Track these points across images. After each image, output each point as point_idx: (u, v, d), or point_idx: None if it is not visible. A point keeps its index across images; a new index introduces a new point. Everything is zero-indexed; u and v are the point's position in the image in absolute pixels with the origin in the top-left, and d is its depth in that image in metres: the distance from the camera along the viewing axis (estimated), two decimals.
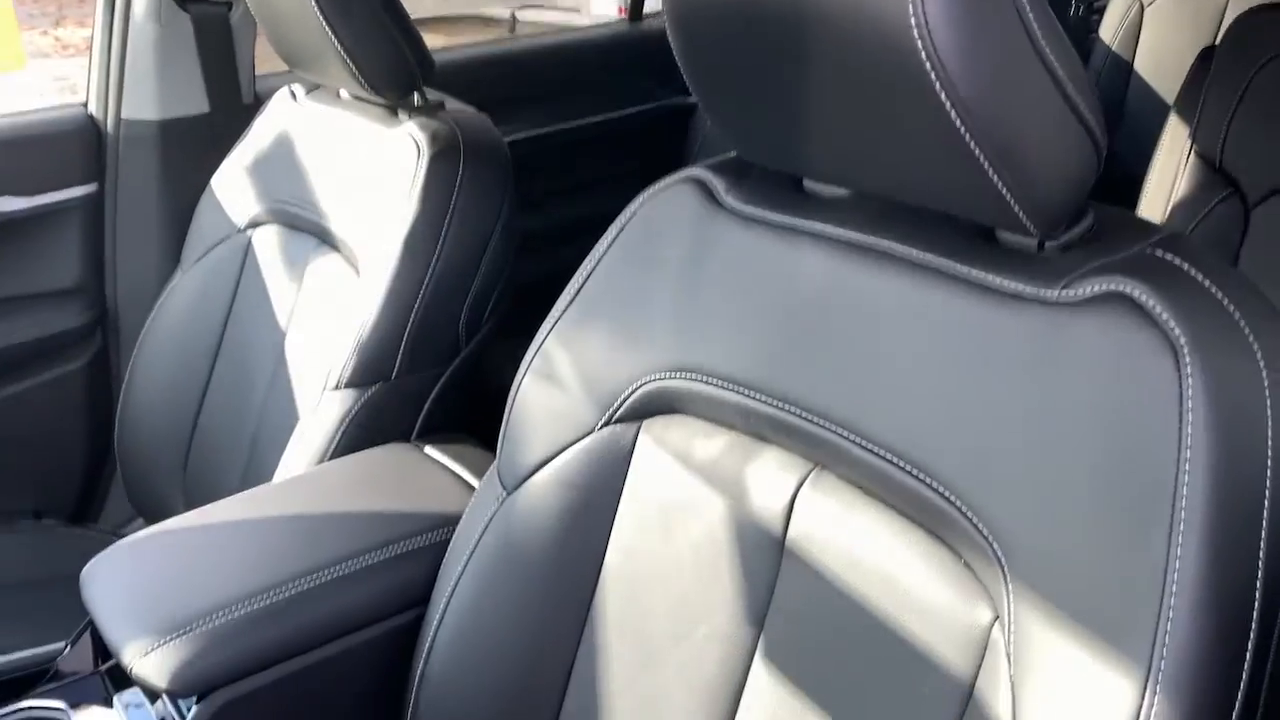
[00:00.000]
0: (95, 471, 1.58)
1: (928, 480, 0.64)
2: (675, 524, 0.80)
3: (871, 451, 0.67)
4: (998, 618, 0.60)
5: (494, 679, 0.86)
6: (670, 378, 0.80)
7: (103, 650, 1.02)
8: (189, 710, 0.87)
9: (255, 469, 1.24)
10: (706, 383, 0.78)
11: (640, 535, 0.82)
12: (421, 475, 1.09)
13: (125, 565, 0.96)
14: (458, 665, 0.88)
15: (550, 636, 0.84)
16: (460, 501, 1.00)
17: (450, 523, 0.96)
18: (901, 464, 0.65)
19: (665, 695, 0.78)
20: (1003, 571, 0.59)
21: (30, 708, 0.98)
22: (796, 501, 0.73)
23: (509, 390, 0.92)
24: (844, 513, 0.70)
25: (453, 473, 1.09)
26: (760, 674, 0.72)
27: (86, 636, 1.02)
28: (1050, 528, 0.58)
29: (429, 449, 1.14)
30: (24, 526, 1.48)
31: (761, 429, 0.76)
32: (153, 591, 0.92)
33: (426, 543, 0.97)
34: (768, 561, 0.73)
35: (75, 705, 0.99)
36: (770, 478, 0.74)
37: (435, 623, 0.89)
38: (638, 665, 0.80)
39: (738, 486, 0.76)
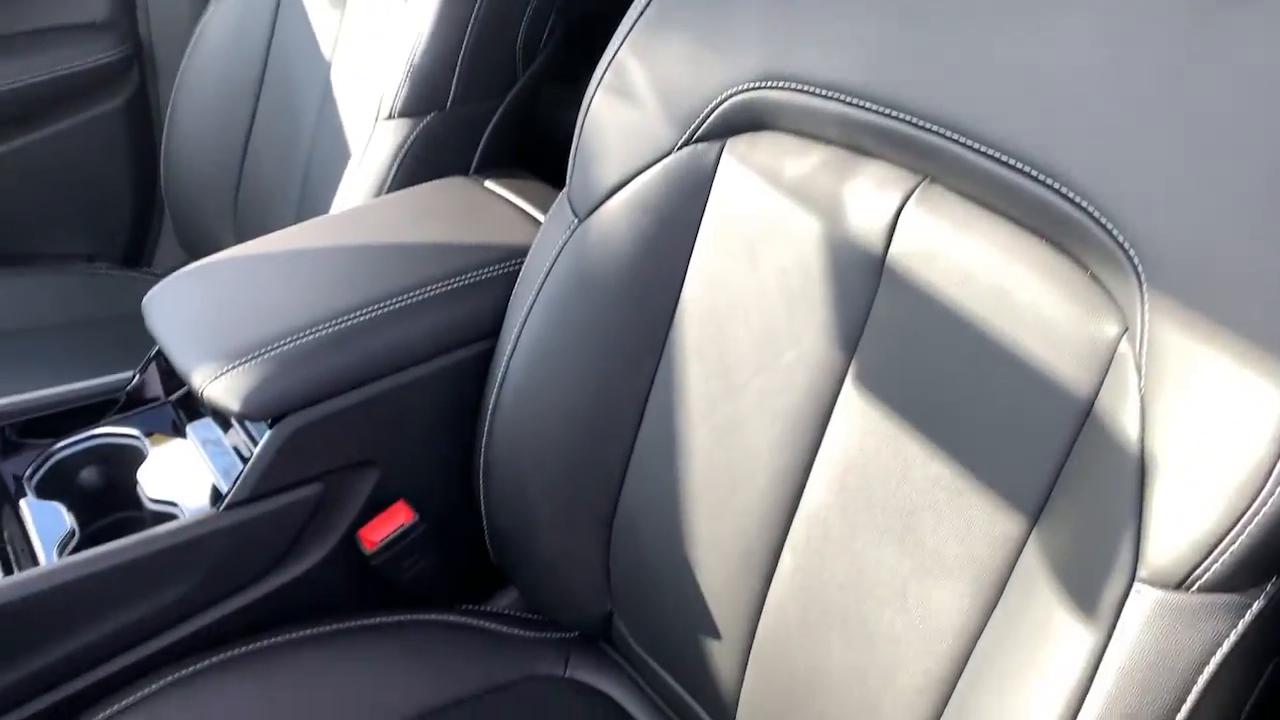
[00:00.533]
0: (144, 215, 1.55)
1: (1056, 185, 0.58)
2: (761, 249, 0.75)
3: (990, 157, 0.61)
4: (1126, 330, 0.56)
5: (568, 407, 0.84)
6: (759, 88, 0.73)
7: (170, 381, 1.02)
8: (261, 436, 0.87)
9: (309, 205, 1.21)
10: (801, 91, 0.71)
11: (723, 261, 0.77)
12: (484, 208, 1.04)
13: (188, 292, 0.94)
14: (531, 393, 0.86)
15: (625, 366, 0.82)
16: (526, 234, 0.96)
17: (517, 255, 0.93)
18: (1026, 169, 0.59)
19: (745, 424, 0.76)
20: (1138, 280, 0.55)
21: (104, 434, 0.99)
22: (900, 217, 0.67)
23: (569, 128, 0.86)
24: (953, 227, 0.65)
25: (516, 206, 1.04)
26: (851, 399, 0.70)
27: (154, 367, 1.02)
28: (1199, 233, 0.53)
29: (489, 183, 1.09)
30: (77, 270, 1.47)
31: (862, 141, 0.69)
32: (218, 318, 0.90)
33: (494, 274, 0.94)
34: (865, 283, 0.69)
35: (148, 434, 1.00)
36: (871, 194, 0.69)
37: (508, 352, 0.87)
38: (717, 394, 0.77)
39: (833, 205, 0.71)
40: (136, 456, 0.97)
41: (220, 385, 0.84)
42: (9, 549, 0.89)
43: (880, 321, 0.68)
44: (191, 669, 0.85)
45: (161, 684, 0.84)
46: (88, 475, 0.98)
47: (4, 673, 0.80)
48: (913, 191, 0.67)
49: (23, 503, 0.93)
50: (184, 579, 0.86)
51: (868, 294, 0.69)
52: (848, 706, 0.70)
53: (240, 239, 1.31)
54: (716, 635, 0.79)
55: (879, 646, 0.67)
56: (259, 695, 0.85)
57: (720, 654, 0.79)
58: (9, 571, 0.88)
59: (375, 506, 0.91)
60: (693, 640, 0.81)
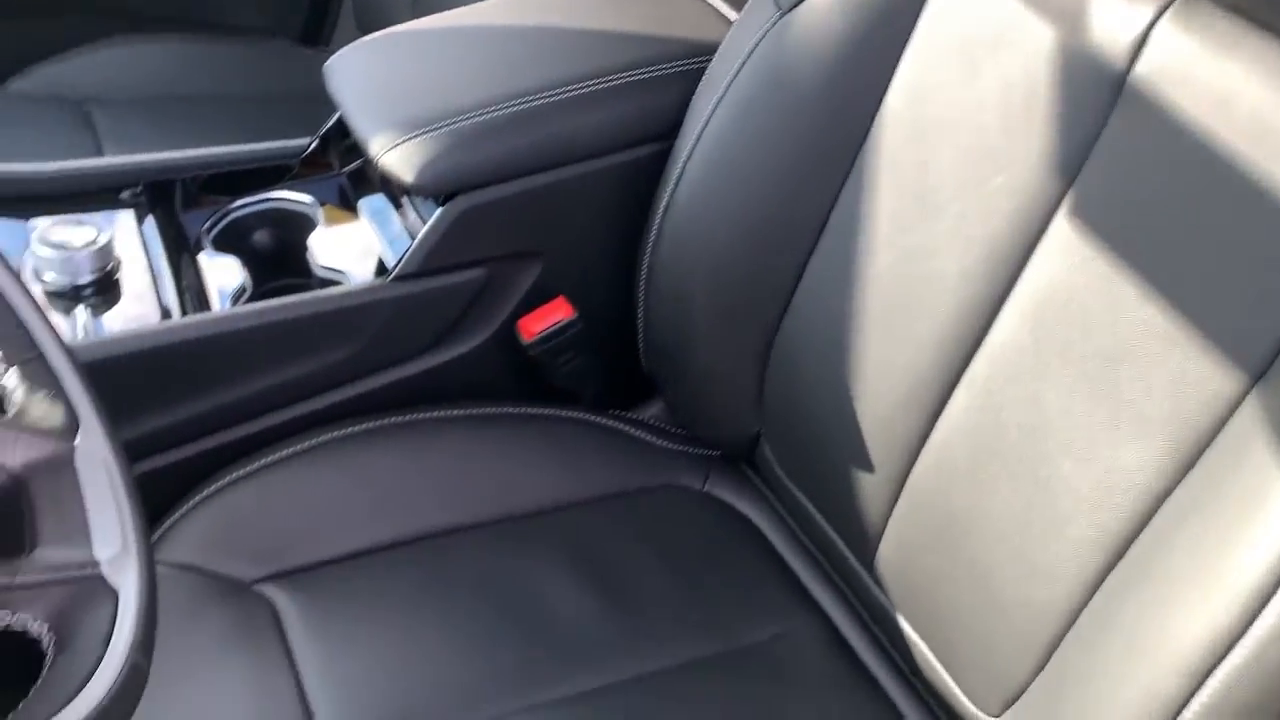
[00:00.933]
0: None
1: None
2: (982, 59, 0.68)
3: None
4: None
5: (743, 214, 0.81)
6: None
7: (344, 153, 1.02)
8: (430, 215, 0.86)
9: None
10: None
11: (935, 72, 0.71)
12: (675, 1, 0.99)
13: (370, 61, 0.92)
14: (706, 198, 0.83)
15: (811, 175, 0.77)
16: (716, 30, 0.90)
17: (704, 51, 0.88)
18: None
19: (936, 249, 0.71)
20: None
21: (279, 198, 1.01)
22: (1152, 31, 0.60)
23: None
24: (1214, 45, 0.57)
25: (708, 2, 0.98)
26: (1062, 230, 0.64)
27: (329, 137, 1.02)
28: None
29: None
30: (258, 43, 1.47)
31: None
32: (399, 88, 0.89)
33: (679, 69, 0.89)
34: (1099, 103, 0.62)
35: (322, 203, 1.00)
36: (1120, 3, 0.61)
37: (686, 153, 0.83)
38: (909, 216, 0.72)
39: (1075, 14, 0.63)
40: (308, 224, 0.98)
41: (396, 154, 0.83)
42: (185, 298, 0.92)
43: (1110, 147, 0.62)
44: (343, 432, 0.88)
45: (313, 442, 0.87)
46: (261, 237, 1.00)
47: (164, 412, 0.84)
48: (1170, 3, 0.60)
49: (201, 255, 0.96)
50: (345, 344, 0.88)
51: (1100, 116, 0.62)
52: (1002, 553, 0.67)
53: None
54: (869, 468, 0.76)
55: (1052, 495, 0.63)
56: (405, 464, 0.87)
57: (870, 486, 0.76)
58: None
59: (536, 298, 0.91)
60: (842, 470, 0.78)
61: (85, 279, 0.87)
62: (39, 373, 0.56)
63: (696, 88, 0.85)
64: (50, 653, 0.44)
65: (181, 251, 0.96)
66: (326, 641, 0.76)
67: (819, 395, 0.80)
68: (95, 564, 0.48)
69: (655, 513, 0.89)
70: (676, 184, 0.83)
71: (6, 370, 0.55)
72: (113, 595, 0.47)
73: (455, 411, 0.90)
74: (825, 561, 0.85)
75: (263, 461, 0.85)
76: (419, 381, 0.91)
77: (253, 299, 0.93)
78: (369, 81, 0.91)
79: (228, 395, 0.85)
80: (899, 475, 0.74)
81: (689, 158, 0.83)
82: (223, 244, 0.97)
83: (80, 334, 0.84)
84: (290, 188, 1.01)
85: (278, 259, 0.98)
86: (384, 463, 0.87)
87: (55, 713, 0.40)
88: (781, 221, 0.79)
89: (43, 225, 0.88)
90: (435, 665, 0.76)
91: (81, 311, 0.86)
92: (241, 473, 0.84)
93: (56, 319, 0.86)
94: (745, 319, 0.84)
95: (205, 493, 0.82)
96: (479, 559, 0.82)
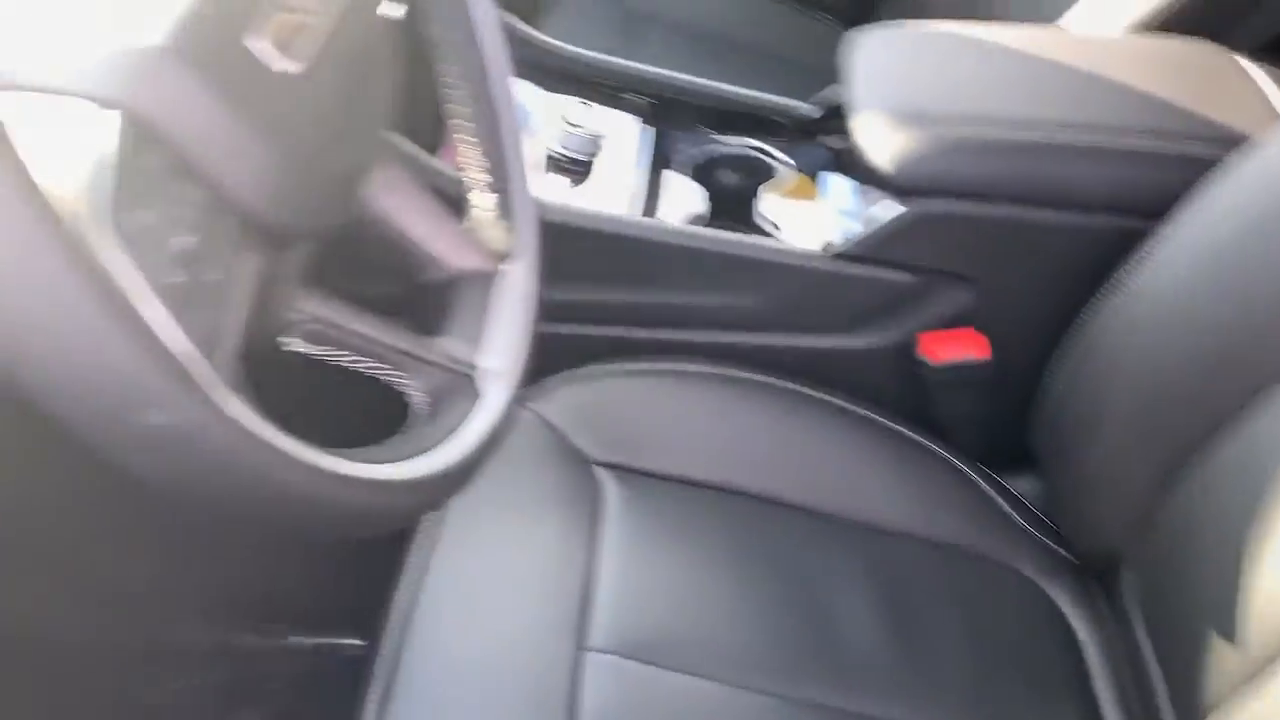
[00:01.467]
0: None
1: None
2: None
3: None
4: None
5: (1208, 330, 0.72)
6: None
7: (833, 124, 1.04)
8: (890, 208, 0.86)
9: None
10: None
11: None
12: (1222, 80, 0.90)
13: (894, 44, 0.94)
14: (1173, 296, 0.75)
15: None
16: (1253, 121, 0.82)
17: (1230, 141, 0.79)
18: None
19: None
20: None
21: (757, 148, 1.06)
22: None
23: None
24: None
25: (1262, 91, 0.89)
26: None
27: (829, 111, 1.05)
28: None
29: (1241, 60, 0.94)
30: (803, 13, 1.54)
31: None
32: (913, 78, 0.90)
33: (1196, 152, 0.82)
34: None
35: (797, 170, 1.04)
36: None
37: (1169, 241, 0.76)
38: None
39: None
40: (771, 181, 1.02)
41: (886, 139, 0.84)
42: (645, 203, 0.99)
43: None
44: (718, 370, 0.91)
45: (690, 368, 0.91)
46: (725, 175, 1.06)
47: (583, 289, 0.91)
48: None
49: (669, 172, 1.03)
50: (758, 296, 0.91)
51: None
52: None
53: None
54: (1239, 644, 0.67)
55: None
56: (760, 423, 0.89)
57: (1230, 663, 0.67)
58: None
59: (949, 321, 0.88)
60: (1204, 634, 0.69)
61: (574, 155, 0.97)
62: (505, 205, 0.65)
63: (1204, 176, 0.77)
64: (421, 416, 0.52)
65: (659, 165, 1.04)
66: (632, 546, 0.80)
67: (1213, 552, 0.70)
68: (474, 368, 0.55)
69: (979, 581, 0.84)
70: (1143, 271, 0.77)
71: (484, 193, 0.64)
72: (476, 397, 0.53)
73: (826, 396, 0.90)
74: (1139, 708, 0.76)
75: (641, 366, 0.91)
76: (805, 356, 0.92)
77: None
78: (885, 64, 0.92)
79: (639, 296, 0.92)
80: (1265, 661, 0.64)
81: (1167, 249, 0.76)
82: (692, 170, 1.04)
83: (551, 196, 0.94)
84: (775, 144, 1.05)
85: (729, 202, 1.03)
86: (743, 413, 0.90)
87: (399, 459, 0.46)
88: (1241, 357, 0.70)
89: (564, 100, 1.00)
90: (715, 618, 0.77)
91: (560, 179, 0.96)
92: (621, 368, 0.90)
93: (538, 175, 0.97)
94: (1162, 438, 0.76)
95: (587, 371, 0.90)
96: (789, 539, 0.83)
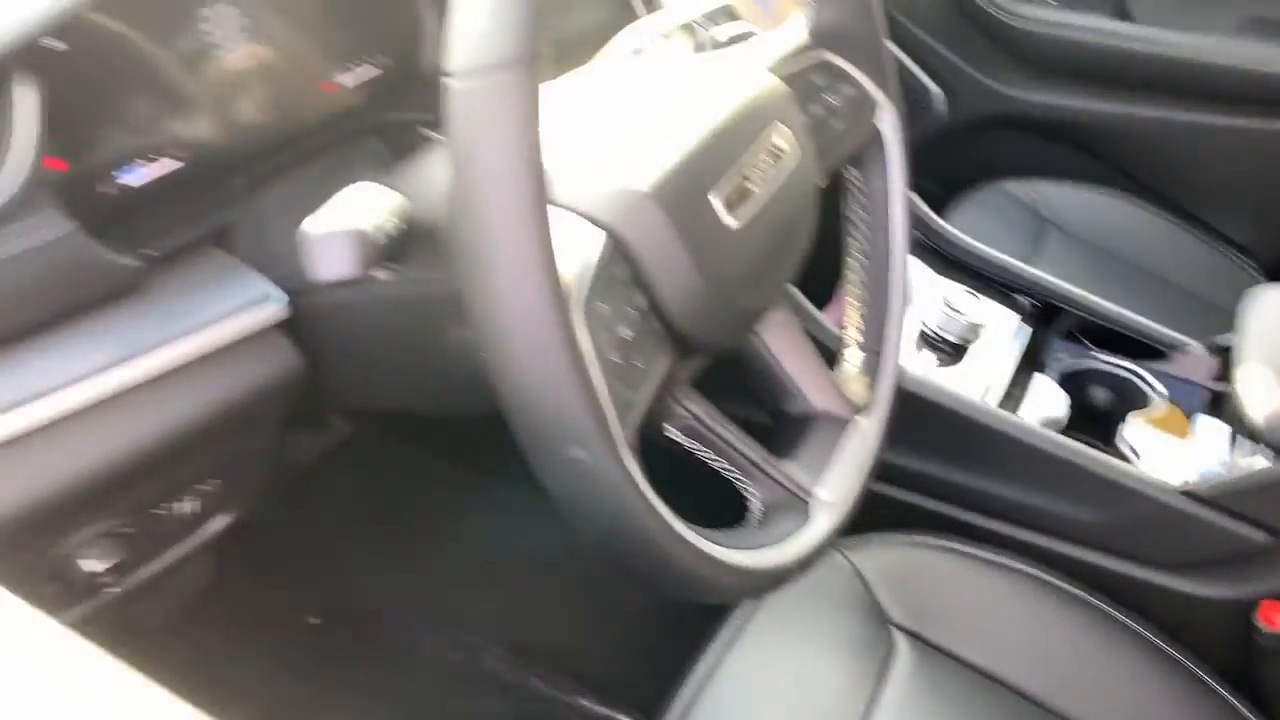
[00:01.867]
0: None
1: None
2: None
3: None
4: None
5: None
6: None
7: (1222, 368, 1.03)
8: (1256, 467, 0.85)
9: None
10: None
11: None
12: None
13: None
14: None
15: None
16: None
17: None
18: None
19: None
20: None
21: (1134, 371, 1.06)
22: None
23: None
24: None
25: None
26: None
27: (1216, 348, 1.04)
28: None
29: None
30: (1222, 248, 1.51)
31: None
32: None
33: None
34: None
35: (1170, 401, 1.04)
36: None
37: None
38: None
39: None
40: (1142, 407, 1.03)
41: (1264, 397, 0.84)
42: (1011, 404, 1.04)
43: None
44: (1042, 576, 0.92)
45: (1007, 562, 0.93)
46: (1095, 391, 1.07)
47: (925, 460, 0.96)
48: None
49: (1037, 375, 1.07)
50: (1102, 514, 0.92)
51: None
52: None
53: None
54: None
55: None
56: (1064, 633, 0.89)
57: None
58: None
59: None
60: None
61: (949, 338, 1.04)
62: (872, 365, 0.73)
63: None
64: (755, 519, 0.61)
65: (1029, 365, 1.08)
66: (909, 715, 0.83)
67: None
68: (810, 495, 0.63)
69: None
70: None
71: (856, 350, 0.73)
72: (805, 517, 0.62)
73: (1140, 629, 0.89)
74: None
75: (963, 547, 0.94)
76: (1131, 584, 0.91)
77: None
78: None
79: (977, 481, 0.96)
80: None
81: None
82: (1061, 376, 1.07)
83: (917, 369, 1.01)
84: (1153, 371, 1.06)
85: (1093, 417, 1.04)
86: (1054, 623, 0.90)
87: (734, 547, 0.55)
88: None
89: (948, 285, 1.08)
90: None
91: (930, 355, 1.03)
92: (943, 543, 0.94)
93: (910, 347, 1.04)
94: None
95: (910, 537, 0.95)
96: None
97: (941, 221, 1.19)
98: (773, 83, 0.64)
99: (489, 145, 0.43)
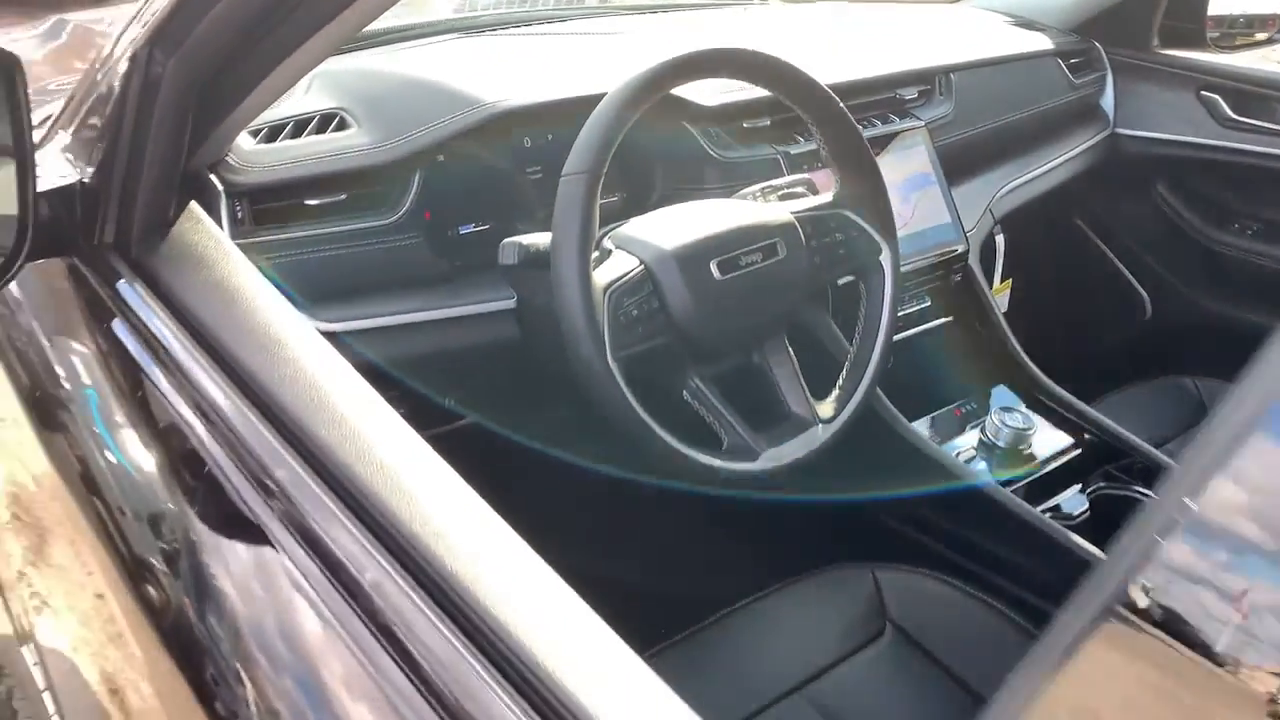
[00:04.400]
0: None
1: None
2: None
3: None
4: None
5: None
6: None
7: None
8: None
9: None
10: None
11: None
12: None
13: None
14: None
15: None
16: None
17: None
18: None
19: None
20: None
21: None
22: None
23: None
24: None
25: None
26: None
27: None
28: None
29: None
30: None
31: None
32: None
33: None
34: None
35: None
36: None
37: None
38: None
39: None
40: None
41: None
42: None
43: None
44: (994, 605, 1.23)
45: (954, 583, 1.25)
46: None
47: None
48: None
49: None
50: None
51: None
52: None
53: None
54: None
55: None
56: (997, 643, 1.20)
57: None
58: None
59: None
60: None
61: (999, 444, 1.39)
62: (843, 401, 1.16)
63: None
64: (719, 451, 1.08)
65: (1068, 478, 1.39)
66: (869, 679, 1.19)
67: None
68: (760, 451, 1.08)
69: None
70: None
71: (837, 389, 1.17)
72: (751, 461, 1.07)
73: None
74: None
75: (963, 586, 1.28)
76: None
77: None
78: None
79: (987, 542, 1.30)
80: None
81: None
82: (1095, 497, 1.37)
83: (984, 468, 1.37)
84: None
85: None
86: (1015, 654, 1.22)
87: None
88: None
89: (1008, 412, 1.43)
90: None
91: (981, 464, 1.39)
92: (949, 580, 1.28)
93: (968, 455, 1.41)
94: None
95: (932, 573, 1.29)
96: None
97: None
98: (787, 217, 1.13)
99: (560, 213, 0.98)
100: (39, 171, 0.90)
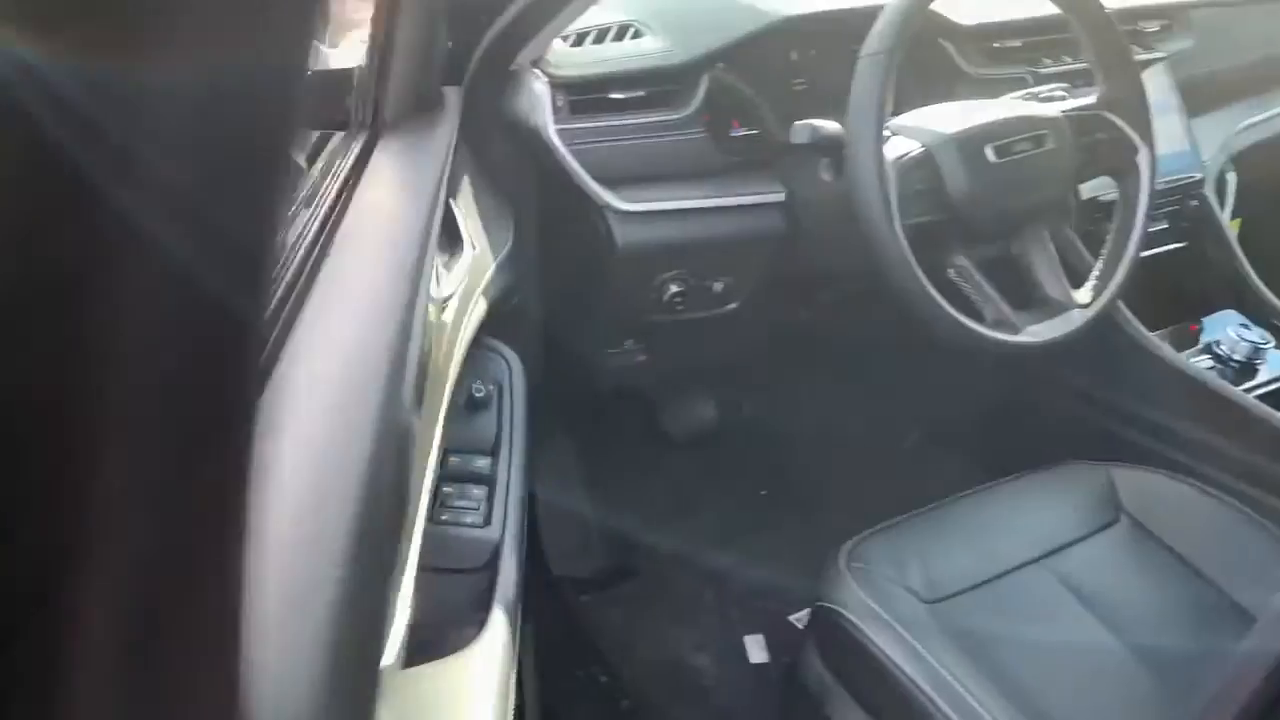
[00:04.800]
0: None
1: None
2: None
3: None
4: None
5: None
6: None
7: None
8: None
9: None
10: None
11: None
12: None
13: None
14: None
15: None
16: None
17: None
18: None
19: None
20: None
21: None
22: None
23: None
24: None
25: None
26: None
27: None
28: None
29: None
30: None
31: None
32: None
33: None
34: None
35: None
36: None
37: None
38: None
39: None
40: None
41: None
42: None
43: None
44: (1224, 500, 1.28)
45: (1184, 480, 1.30)
46: None
47: None
48: None
49: None
50: None
51: None
52: None
53: None
54: None
55: None
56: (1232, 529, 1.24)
57: None
58: None
59: None
60: None
61: (1236, 357, 1.43)
62: (1099, 289, 1.24)
63: None
64: (982, 323, 1.17)
65: None
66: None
67: None
68: (1018, 328, 1.17)
69: None
70: None
71: (1094, 279, 1.24)
72: (1010, 335, 1.16)
73: None
74: None
75: (1192, 484, 1.33)
76: None
77: None
78: None
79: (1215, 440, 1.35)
80: None
81: None
82: None
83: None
84: None
85: None
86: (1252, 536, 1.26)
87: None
88: None
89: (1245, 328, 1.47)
90: None
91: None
92: (1178, 478, 1.34)
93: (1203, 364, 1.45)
94: None
95: (1157, 471, 1.35)
96: None
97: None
98: (1055, 112, 1.21)
99: (859, 88, 1.09)
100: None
